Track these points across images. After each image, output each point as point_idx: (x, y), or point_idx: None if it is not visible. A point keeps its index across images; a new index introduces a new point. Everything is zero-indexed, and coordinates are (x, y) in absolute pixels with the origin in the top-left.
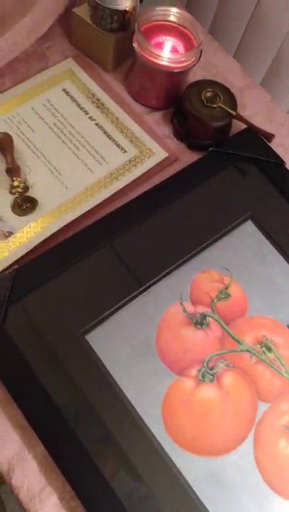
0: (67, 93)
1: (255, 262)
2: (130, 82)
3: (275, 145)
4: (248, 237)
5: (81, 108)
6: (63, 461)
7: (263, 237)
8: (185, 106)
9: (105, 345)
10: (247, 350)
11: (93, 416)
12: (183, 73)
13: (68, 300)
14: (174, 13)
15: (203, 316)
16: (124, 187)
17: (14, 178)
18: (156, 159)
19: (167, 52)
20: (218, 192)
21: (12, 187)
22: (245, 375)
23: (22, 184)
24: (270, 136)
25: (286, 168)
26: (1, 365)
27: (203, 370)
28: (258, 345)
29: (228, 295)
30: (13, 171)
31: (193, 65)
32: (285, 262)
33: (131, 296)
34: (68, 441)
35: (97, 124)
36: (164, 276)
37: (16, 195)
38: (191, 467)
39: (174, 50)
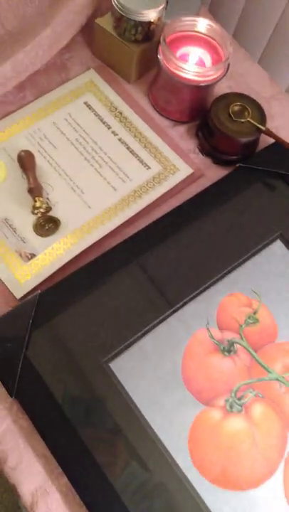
0: (89, 106)
1: (284, 285)
2: (154, 94)
3: None
4: (277, 258)
5: (103, 122)
6: (87, 494)
7: None
8: (212, 121)
9: (130, 373)
10: (277, 379)
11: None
12: (209, 86)
13: (91, 326)
14: (201, 24)
15: (231, 343)
16: (147, 205)
17: (36, 199)
18: (181, 175)
19: (193, 65)
20: (245, 210)
21: (34, 207)
22: (275, 406)
23: (44, 205)
24: None
25: None
26: (25, 394)
27: (231, 400)
28: (288, 374)
29: (256, 320)
30: (35, 190)
31: (221, 78)
32: None
33: (156, 321)
34: (92, 474)
35: (120, 139)
36: (190, 300)
37: (39, 215)
38: (218, 502)
39: (201, 61)
